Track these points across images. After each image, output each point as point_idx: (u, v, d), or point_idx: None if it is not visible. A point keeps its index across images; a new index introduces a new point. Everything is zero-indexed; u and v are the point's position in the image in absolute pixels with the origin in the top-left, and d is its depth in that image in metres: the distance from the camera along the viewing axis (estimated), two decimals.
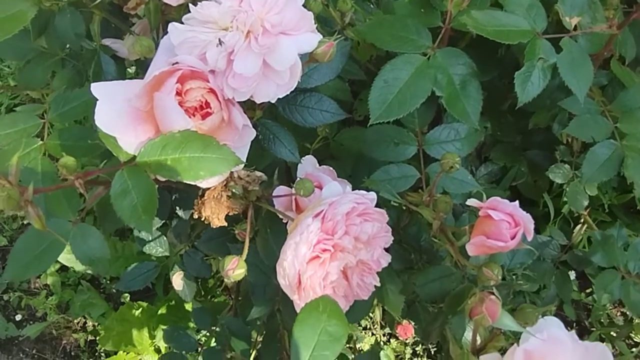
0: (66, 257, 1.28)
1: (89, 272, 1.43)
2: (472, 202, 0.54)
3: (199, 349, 0.87)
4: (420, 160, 0.73)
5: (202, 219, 0.63)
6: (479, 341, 0.50)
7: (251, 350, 0.77)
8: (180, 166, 0.52)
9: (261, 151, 0.70)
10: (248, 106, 0.65)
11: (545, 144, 0.99)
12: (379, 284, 0.59)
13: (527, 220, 0.52)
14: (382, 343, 1.50)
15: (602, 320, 1.55)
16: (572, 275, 1.45)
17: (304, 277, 0.53)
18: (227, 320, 0.80)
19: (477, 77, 0.65)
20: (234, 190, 0.63)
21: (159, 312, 1.33)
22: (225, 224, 0.65)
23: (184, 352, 0.86)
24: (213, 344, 0.86)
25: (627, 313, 1.56)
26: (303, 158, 0.70)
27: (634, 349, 1.57)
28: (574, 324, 1.58)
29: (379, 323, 1.53)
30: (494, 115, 1.01)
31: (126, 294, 1.49)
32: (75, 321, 1.55)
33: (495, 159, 0.97)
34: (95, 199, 0.60)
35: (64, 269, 1.56)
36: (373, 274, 0.59)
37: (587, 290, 1.56)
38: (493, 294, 0.43)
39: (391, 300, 0.73)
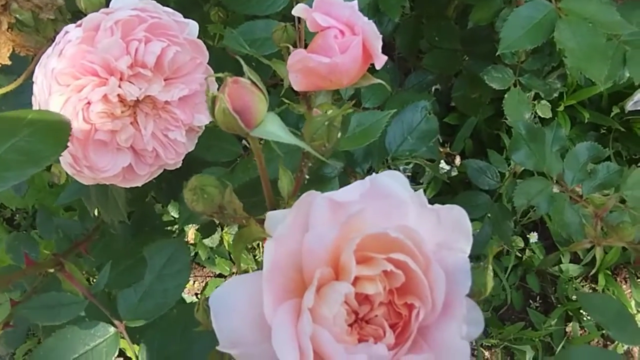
0: None
1: None
2: (297, 9, 0.37)
3: None
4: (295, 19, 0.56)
5: None
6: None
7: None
8: None
9: None
10: None
11: (489, 55, 0.81)
12: (184, 140, 0.43)
13: (370, 33, 0.35)
14: None
15: (568, 295, 1.38)
16: (535, 237, 1.28)
17: (51, 101, 0.37)
18: (60, 221, 0.64)
19: None
20: (18, 17, 0.47)
21: None
22: (8, 62, 0.48)
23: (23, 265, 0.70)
24: None
25: (597, 288, 1.39)
26: None
27: (604, 331, 1.40)
28: (538, 297, 1.41)
29: None
30: (434, 19, 0.85)
31: None
32: None
33: (429, 66, 0.80)
34: None
35: None
36: (180, 129, 0.43)
37: None
38: (251, 80, 0.26)
39: None
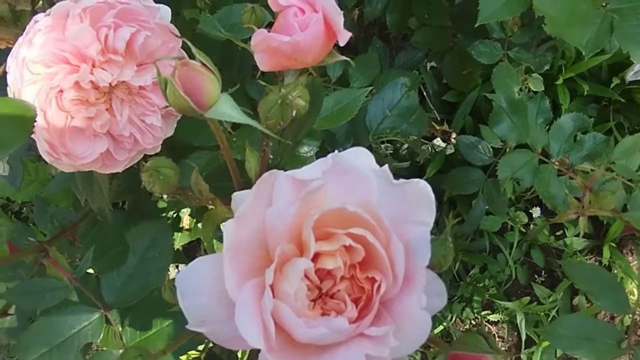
0: None
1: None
2: None
3: None
4: None
5: None
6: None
7: None
8: None
9: None
10: None
11: (479, 31, 0.81)
12: (161, 125, 0.43)
13: (331, 9, 0.35)
14: None
15: None
16: (537, 212, 1.28)
17: (24, 90, 0.38)
18: (54, 211, 0.65)
19: None
20: None
21: None
22: None
23: None
24: None
25: (602, 261, 1.39)
26: None
27: None
28: (543, 272, 1.41)
29: None
30: None
31: None
32: None
33: (418, 43, 0.80)
34: None
35: None
36: (156, 114, 0.43)
37: (558, 233, 1.38)
38: (204, 63, 0.26)
39: None
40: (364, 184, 0.32)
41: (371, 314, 0.29)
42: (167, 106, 0.26)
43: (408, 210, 0.32)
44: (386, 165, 0.33)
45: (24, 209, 1.48)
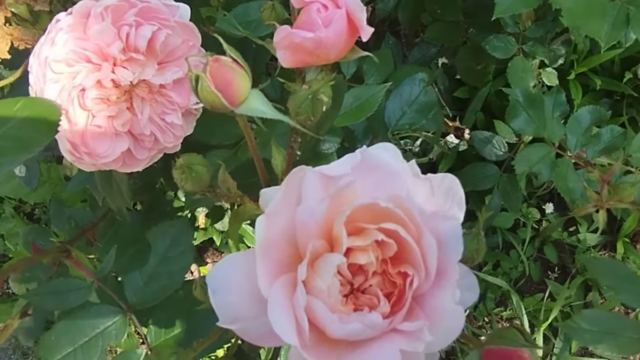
0: None
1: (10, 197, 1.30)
2: None
3: None
4: None
5: None
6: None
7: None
8: None
9: None
10: None
11: (493, 25, 0.80)
12: (181, 123, 0.43)
13: (354, 5, 0.35)
14: None
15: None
16: (550, 208, 1.27)
17: (46, 89, 0.38)
18: (72, 211, 0.65)
19: None
20: (13, 10, 0.48)
21: None
22: (8, 56, 0.49)
23: None
24: None
25: (616, 256, 1.38)
26: None
27: None
28: (556, 268, 1.40)
29: None
30: None
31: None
32: None
33: (431, 39, 0.79)
34: None
35: None
36: (177, 112, 0.43)
37: (571, 229, 1.37)
38: (234, 59, 0.26)
39: None
40: (393, 179, 0.32)
41: (404, 309, 0.29)
42: (197, 102, 0.26)
43: (437, 205, 0.32)
44: (413, 161, 0.33)
45: (36, 210, 1.48)
